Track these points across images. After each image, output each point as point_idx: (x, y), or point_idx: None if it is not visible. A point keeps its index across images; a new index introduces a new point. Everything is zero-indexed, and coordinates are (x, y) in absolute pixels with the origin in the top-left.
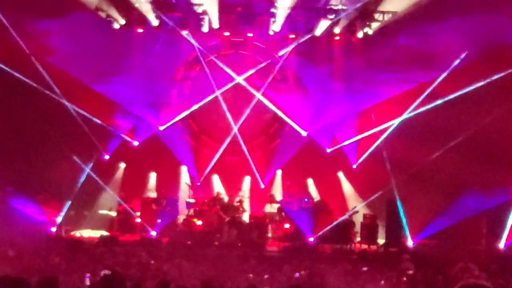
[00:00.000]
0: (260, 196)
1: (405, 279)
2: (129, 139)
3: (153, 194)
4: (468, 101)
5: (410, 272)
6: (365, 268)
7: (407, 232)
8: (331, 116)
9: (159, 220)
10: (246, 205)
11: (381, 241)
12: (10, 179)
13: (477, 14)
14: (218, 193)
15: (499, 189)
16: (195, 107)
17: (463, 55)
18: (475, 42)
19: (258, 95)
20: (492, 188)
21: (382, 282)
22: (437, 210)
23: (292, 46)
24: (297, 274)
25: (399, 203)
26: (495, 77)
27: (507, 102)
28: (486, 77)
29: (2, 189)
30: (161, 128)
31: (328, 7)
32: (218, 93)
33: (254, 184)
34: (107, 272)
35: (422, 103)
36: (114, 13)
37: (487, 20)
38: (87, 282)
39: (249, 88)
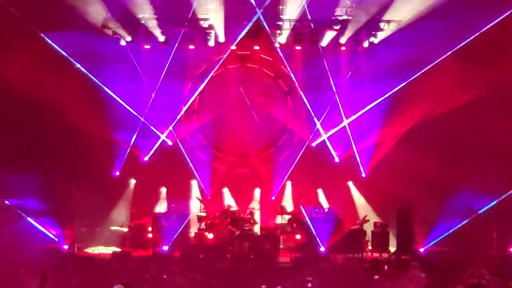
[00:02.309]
0: (270, 207)
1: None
2: (138, 155)
3: (163, 209)
4: (476, 106)
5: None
6: (376, 277)
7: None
8: (338, 125)
9: (169, 235)
10: (257, 217)
11: (392, 249)
12: (22, 197)
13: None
14: (229, 206)
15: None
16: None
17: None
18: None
19: None
20: (498, 190)
21: None
22: (445, 214)
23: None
24: (309, 285)
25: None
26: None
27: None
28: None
29: (12, 209)
30: (170, 143)
31: (333, 17)
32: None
33: (264, 196)
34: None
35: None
36: (120, 30)
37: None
38: None
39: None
